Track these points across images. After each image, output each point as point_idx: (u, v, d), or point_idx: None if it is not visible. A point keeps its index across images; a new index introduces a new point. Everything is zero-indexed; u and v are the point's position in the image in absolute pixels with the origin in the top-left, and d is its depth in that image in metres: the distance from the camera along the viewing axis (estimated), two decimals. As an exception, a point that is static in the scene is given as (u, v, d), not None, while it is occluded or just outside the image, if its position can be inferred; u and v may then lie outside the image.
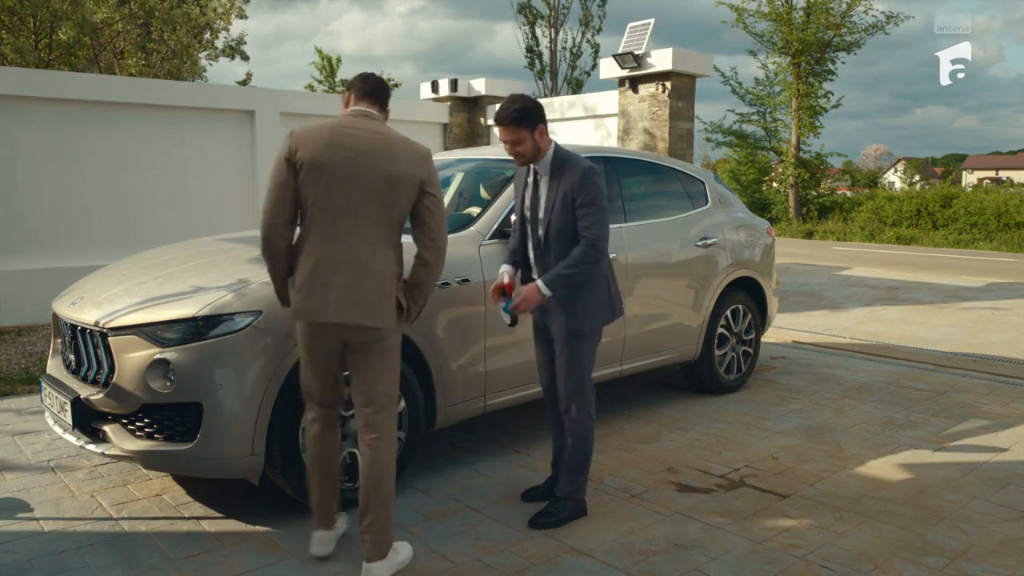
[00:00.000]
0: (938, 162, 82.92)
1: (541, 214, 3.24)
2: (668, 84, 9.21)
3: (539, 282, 3.12)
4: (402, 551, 2.89)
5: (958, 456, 4.13)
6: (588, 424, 3.28)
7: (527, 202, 3.31)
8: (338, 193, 2.63)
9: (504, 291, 3.26)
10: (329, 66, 33.07)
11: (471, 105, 11.95)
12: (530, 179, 3.30)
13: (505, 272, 3.36)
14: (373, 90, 2.81)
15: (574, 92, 23.27)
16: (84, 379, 3.35)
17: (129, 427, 3.16)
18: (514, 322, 3.30)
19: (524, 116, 3.10)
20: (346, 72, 32.75)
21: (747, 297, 5.41)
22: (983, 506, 3.47)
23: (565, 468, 3.32)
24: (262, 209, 2.68)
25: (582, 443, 3.29)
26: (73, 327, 3.44)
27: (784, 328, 7.58)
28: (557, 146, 3.24)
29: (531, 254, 3.32)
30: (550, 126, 3.29)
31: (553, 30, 23.34)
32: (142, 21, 16.78)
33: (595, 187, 3.11)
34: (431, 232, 2.77)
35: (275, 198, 2.65)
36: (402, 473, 3.55)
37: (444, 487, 3.67)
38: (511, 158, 3.27)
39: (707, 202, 5.32)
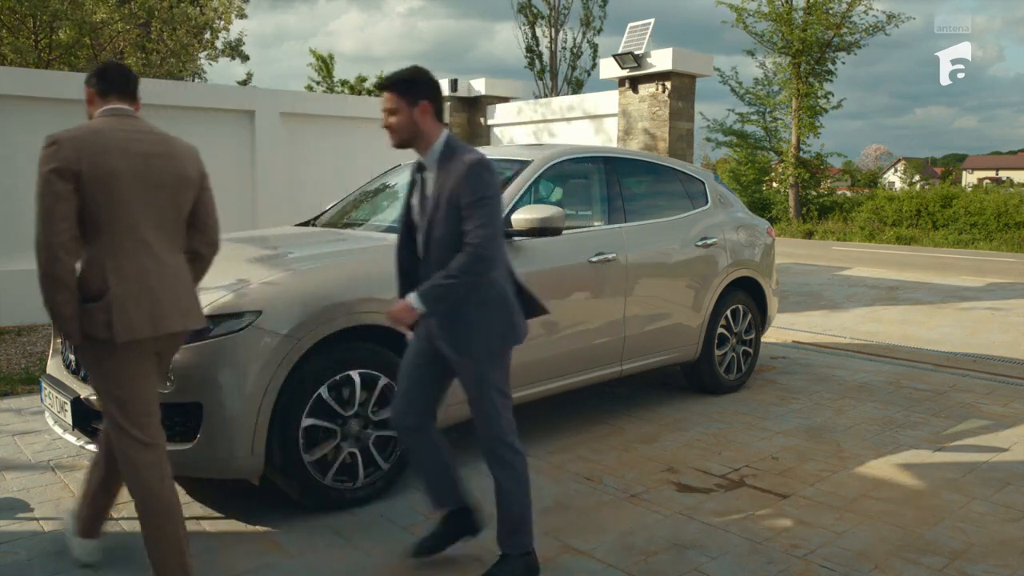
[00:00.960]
0: (938, 162, 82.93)
1: (416, 217, 2.73)
2: (668, 84, 9.22)
3: (411, 296, 2.57)
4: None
5: (958, 456, 4.13)
6: (513, 459, 2.72)
7: (414, 204, 2.76)
8: (135, 202, 2.45)
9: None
10: (326, 66, 33.11)
11: (471, 105, 11.93)
12: (418, 176, 2.75)
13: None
14: (126, 86, 2.61)
15: (574, 92, 23.27)
16: (84, 379, 3.35)
17: (129, 427, 3.16)
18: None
19: (407, 85, 2.60)
20: (342, 70, 32.80)
21: (747, 297, 5.42)
22: (983, 506, 3.47)
23: (501, 520, 2.76)
24: (38, 232, 2.32)
25: (514, 482, 2.72)
26: (73, 327, 3.44)
27: (784, 328, 7.58)
28: (450, 137, 2.66)
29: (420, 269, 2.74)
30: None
31: (553, 30, 23.36)
32: (142, 21, 16.76)
33: (483, 183, 2.53)
34: (209, 228, 2.72)
35: (58, 215, 2.32)
36: (402, 473, 3.56)
37: (444, 487, 3.66)
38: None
39: (707, 202, 5.32)
